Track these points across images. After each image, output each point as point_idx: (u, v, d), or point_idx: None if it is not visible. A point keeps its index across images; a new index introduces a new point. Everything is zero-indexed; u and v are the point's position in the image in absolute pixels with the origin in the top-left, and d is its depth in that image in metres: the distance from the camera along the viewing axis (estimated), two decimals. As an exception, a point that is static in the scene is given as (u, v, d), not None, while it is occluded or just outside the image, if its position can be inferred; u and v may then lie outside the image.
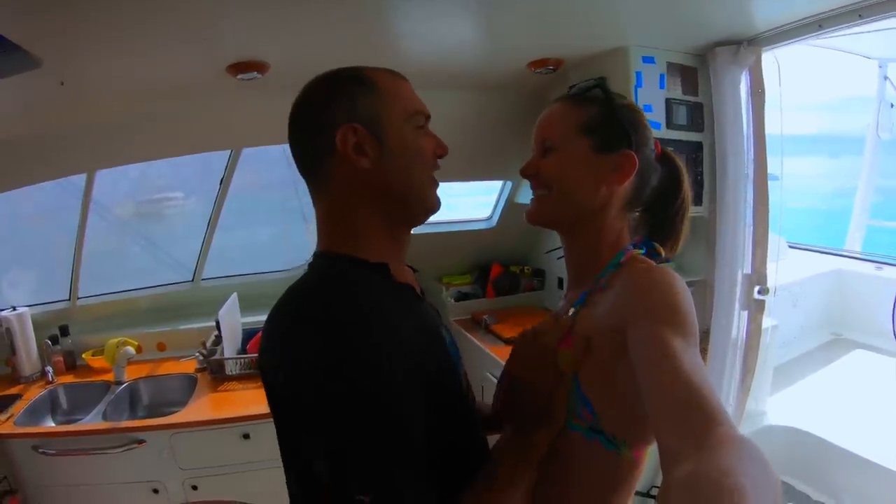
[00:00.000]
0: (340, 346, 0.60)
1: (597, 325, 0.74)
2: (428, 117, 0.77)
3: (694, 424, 0.50)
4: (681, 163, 0.88)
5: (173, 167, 2.65)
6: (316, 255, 0.75)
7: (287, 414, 0.67)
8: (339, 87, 0.73)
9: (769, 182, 1.95)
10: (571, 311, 0.79)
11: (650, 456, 0.73)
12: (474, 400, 0.87)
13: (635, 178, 0.79)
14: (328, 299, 0.66)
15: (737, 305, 1.91)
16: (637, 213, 0.87)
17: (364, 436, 0.59)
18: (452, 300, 2.85)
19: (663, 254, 0.85)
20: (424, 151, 0.75)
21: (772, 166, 1.95)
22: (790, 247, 3.54)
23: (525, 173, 0.85)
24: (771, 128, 1.91)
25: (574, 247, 0.85)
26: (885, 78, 3.32)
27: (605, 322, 0.73)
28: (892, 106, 3.34)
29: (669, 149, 0.89)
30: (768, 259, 1.94)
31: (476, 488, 0.71)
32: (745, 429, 2.16)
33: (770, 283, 1.89)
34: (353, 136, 0.70)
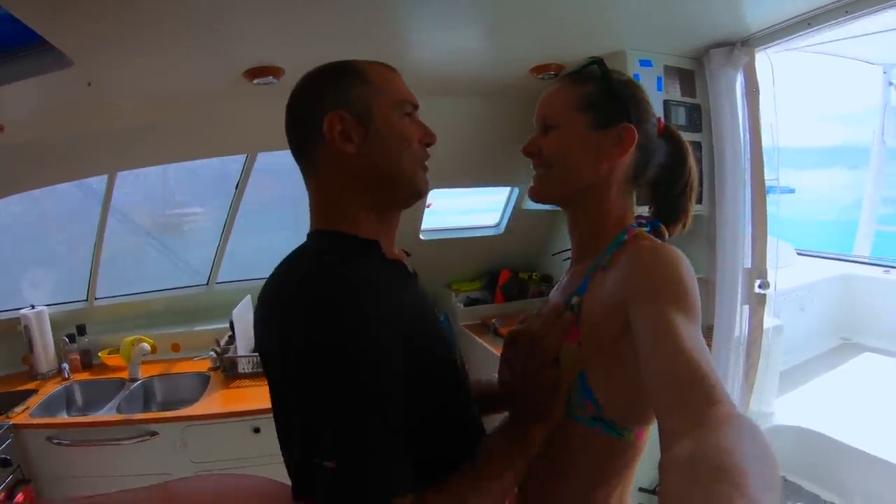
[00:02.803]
0: (329, 313, 0.62)
1: (601, 311, 0.74)
2: (416, 106, 0.80)
3: (694, 402, 0.51)
4: (684, 140, 0.87)
5: (192, 183, 2.77)
6: (309, 234, 0.79)
7: (276, 381, 0.70)
8: (330, 76, 0.78)
9: (784, 195, 1.98)
10: (574, 299, 0.78)
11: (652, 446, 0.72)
12: (467, 376, 0.88)
13: (636, 152, 0.79)
14: (320, 269, 0.68)
15: (738, 300, 1.93)
16: (643, 192, 0.87)
17: (339, 400, 0.60)
18: (462, 306, 2.88)
19: (667, 235, 0.85)
20: (410, 137, 0.77)
21: (783, 178, 1.99)
22: (799, 254, 3.54)
23: (527, 151, 0.85)
24: (767, 140, 1.96)
25: (577, 222, 0.86)
26: (890, 84, 3.36)
27: (609, 302, 0.72)
28: (897, 111, 3.37)
29: (673, 125, 0.88)
30: (773, 264, 1.96)
31: (466, 471, 0.72)
32: (751, 427, 2.15)
33: (770, 278, 1.91)
34: (339, 122, 0.73)
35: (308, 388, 0.62)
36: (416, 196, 0.81)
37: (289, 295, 0.67)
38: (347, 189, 0.76)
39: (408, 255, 0.92)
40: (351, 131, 0.74)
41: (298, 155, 0.80)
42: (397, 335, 0.65)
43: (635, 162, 0.81)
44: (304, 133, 0.77)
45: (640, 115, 0.80)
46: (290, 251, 0.75)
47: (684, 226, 0.88)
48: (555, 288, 0.96)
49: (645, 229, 0.83)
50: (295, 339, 0.63)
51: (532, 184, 0.87)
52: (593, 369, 0.74)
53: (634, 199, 0.87)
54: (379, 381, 0.62)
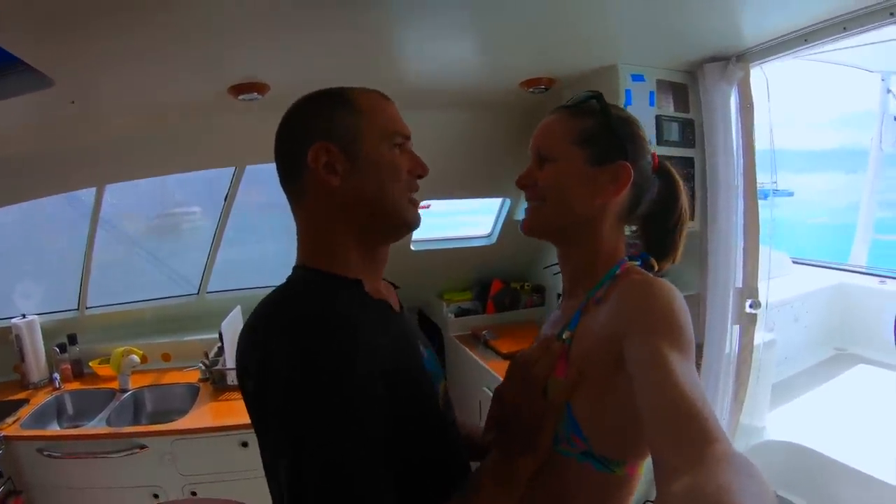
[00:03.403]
0: (308, 352, 0.61)
1: (592, 346, 0.73)
2: (407, 137, 0.78)
3: (691, 440, 0.50)
4: (678, 176, 0.87)
5: (188, 183, 2.73)
6: (294, 267, 0.78)
7: (257, 419, 0.69)
8: (318, 105, 0.76)
9: (784, 198, 1.95)
10: (566, 334, 0.78)
11: (645, 469, 0.73)
12: (454, 420, 0.87)
13: (631, 189, 0.79)
14: (301, 308, 0.68)
15: (729, 320, 1.91)
16: (635, 227, 0.88)
17: (323, 441, 0.59)
18: (453, 316, 2.86)
19: (656, 267, 0.85)
20: (399, 169, 0.76)
21: (780, 182, 1.97)
22: (794, 262, 3.51)
23: (521, 184, 0.85)
24: (765, 143, 1.94)
25: (569, 257, 0.85)
26: (888, 91, 3.32)
27: (601, 335, 0.72)
28: (895, 119, 3.33)
29: (667, 161, 0.88)
30: (765, 275, 1.95)
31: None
32: (741, 443, 2.14)
33: (762, 297, 1.90)
34: (324, 154, 0.72)
35: (286, 433, 0.61)
36: (406, 228, 0.80)
37: (266, 336, 0.67)
38: (333, 221, 0.75)
39: (396, 287, 0.91)
40: (336, 163, 0.73)
41: (285, 184, 0.79)
42: (376, 374, 0.65)
43: (629, 198, 0.81)
44: (291, 163, 0.76)
45: (636, 153, 0.80)
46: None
47: (674, 261, 0.88)
48: (546, 322, 0.95)
49: (636, 263, 0.83)
50: (274, 382, 0.63)
51: (525, 217, 0.86)
52: (581, 403, 0.73)
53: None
54: (361, 421, 0.62)
